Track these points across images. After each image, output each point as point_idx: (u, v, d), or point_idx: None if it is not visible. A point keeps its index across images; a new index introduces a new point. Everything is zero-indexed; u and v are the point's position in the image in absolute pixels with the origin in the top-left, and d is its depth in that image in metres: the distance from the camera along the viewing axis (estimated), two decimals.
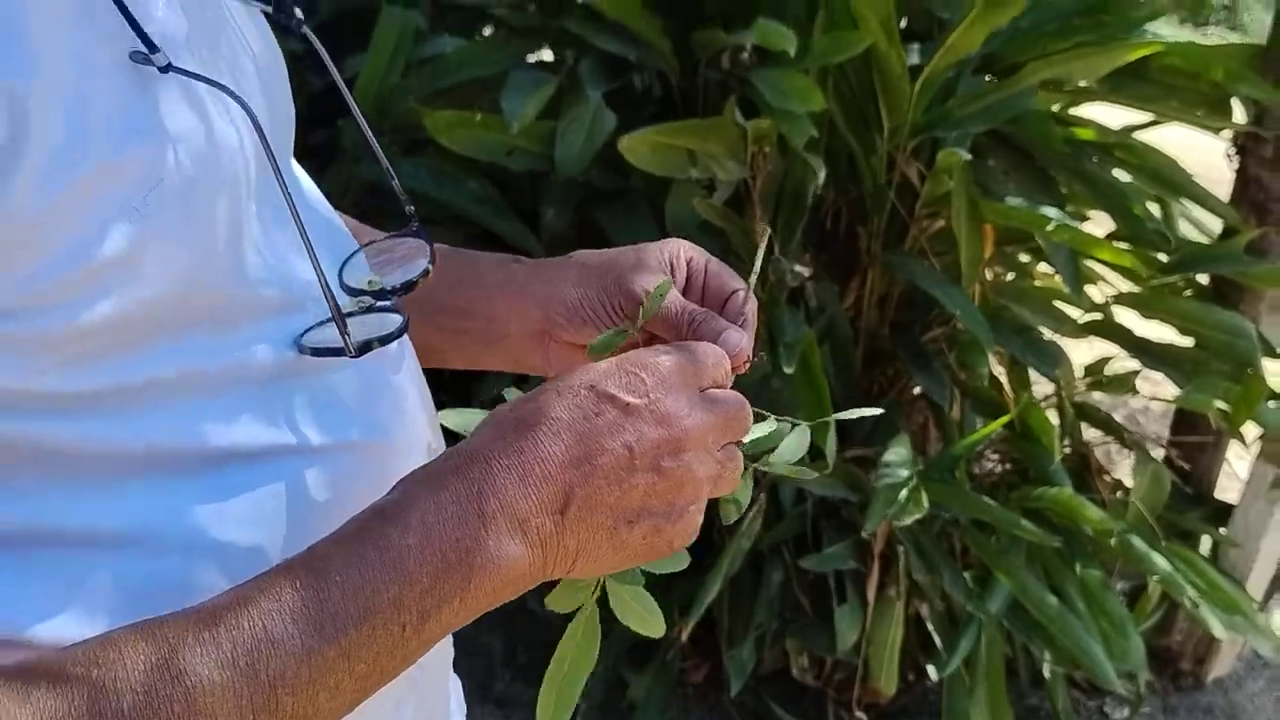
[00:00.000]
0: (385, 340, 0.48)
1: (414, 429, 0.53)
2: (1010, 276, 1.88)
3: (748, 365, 0.56)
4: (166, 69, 0.40)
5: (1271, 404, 1.64)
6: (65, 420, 0.39)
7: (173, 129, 0.41)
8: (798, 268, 1.48)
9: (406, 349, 0.56)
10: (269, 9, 0.52)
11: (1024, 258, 1.89)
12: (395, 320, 0.50)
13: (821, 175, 1.39)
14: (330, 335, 0.46)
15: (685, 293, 0.58)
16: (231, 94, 0.43)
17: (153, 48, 0.40)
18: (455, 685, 0.67)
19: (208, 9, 0.47)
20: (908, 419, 1.78)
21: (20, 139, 0.35)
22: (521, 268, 0.62)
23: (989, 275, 1.82)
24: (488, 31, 1.92)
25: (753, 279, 0.60)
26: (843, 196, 1.69)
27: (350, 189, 1.38)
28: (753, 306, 0.59)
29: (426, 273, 0.52)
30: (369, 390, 0.51)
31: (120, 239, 0.38)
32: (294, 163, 0.57)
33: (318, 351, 0.46)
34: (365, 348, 0.46)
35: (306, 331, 0.47)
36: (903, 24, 1.65)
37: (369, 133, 0.55)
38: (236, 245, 0.44)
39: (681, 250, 0.59)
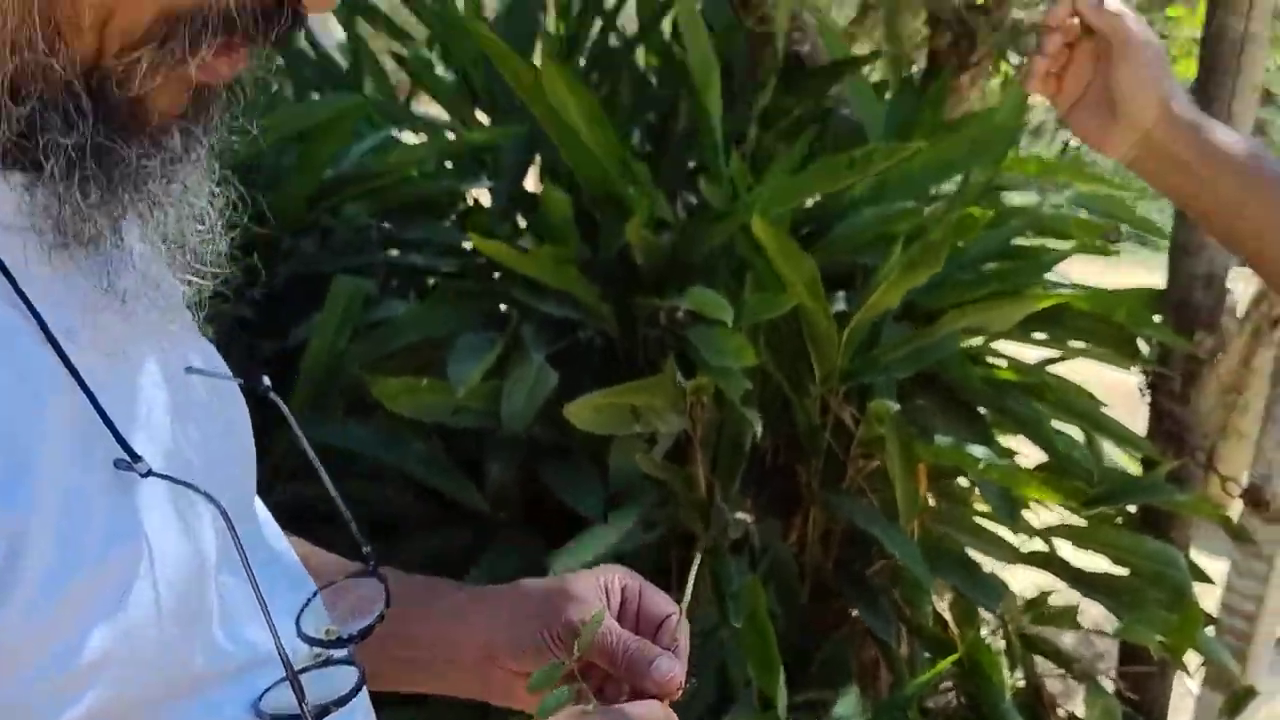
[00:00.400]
0: (341, 702, 0.50)
1: None
2: (948, 506, 1.93)
3: (680, 692, 0.58)
4: (147, 474, 0.44)
5: (1209, 630, 1.67)
6: None
7: (150, 528, 0.44)
8: (739, 515, 1.51)
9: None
10: (240, 380, 0.57)
11: (962, 481, 1.95)
12: (351, 677, 0.52)
13: (759, 428, 1.45)
14: (288, 700, 0.48)
15: (620, 618, 0.61)
16: (204, 494, 0.46)
17: (135, 457, 0.43)
18: None
19: (181, 392, 0.51)
20: (857, 654, 1.78)
21: (14, 569, 0.38)
22: (464, 596, 0.65)
23: (929, 502, 1.87)
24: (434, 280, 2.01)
25: (684, 604, 0.63)
26: (780, 437, 1.75)
27: (289, 456, 1.41)
28: (685, 630, 0.62)
29: (382, 617, 0.55)
30: None
31: (101, 640, 0.40)
32: (256, 500, 0.60)
33: (277, 718, 0.48)
34: (323, 712, 0.48)
35: (265, 693, 0.49)
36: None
37: (327, 483, 0.57)
38: (207, 621, 0.47)
39: (616, 578, 0.63)
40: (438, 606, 0.64)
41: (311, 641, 0.53)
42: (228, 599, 0.49)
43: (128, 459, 0.43)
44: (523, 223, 2.14)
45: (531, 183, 2.21)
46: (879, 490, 1.71)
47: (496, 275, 1.85)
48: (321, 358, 1.50)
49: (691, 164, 2.14)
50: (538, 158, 2.00)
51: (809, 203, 1.78)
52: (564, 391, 1.50)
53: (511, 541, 1.50)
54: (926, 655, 1.69)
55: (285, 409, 0.59)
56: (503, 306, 1.70)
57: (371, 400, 1.51)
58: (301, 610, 0.56)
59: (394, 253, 1.88)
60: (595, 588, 0.61)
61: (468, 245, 2.01)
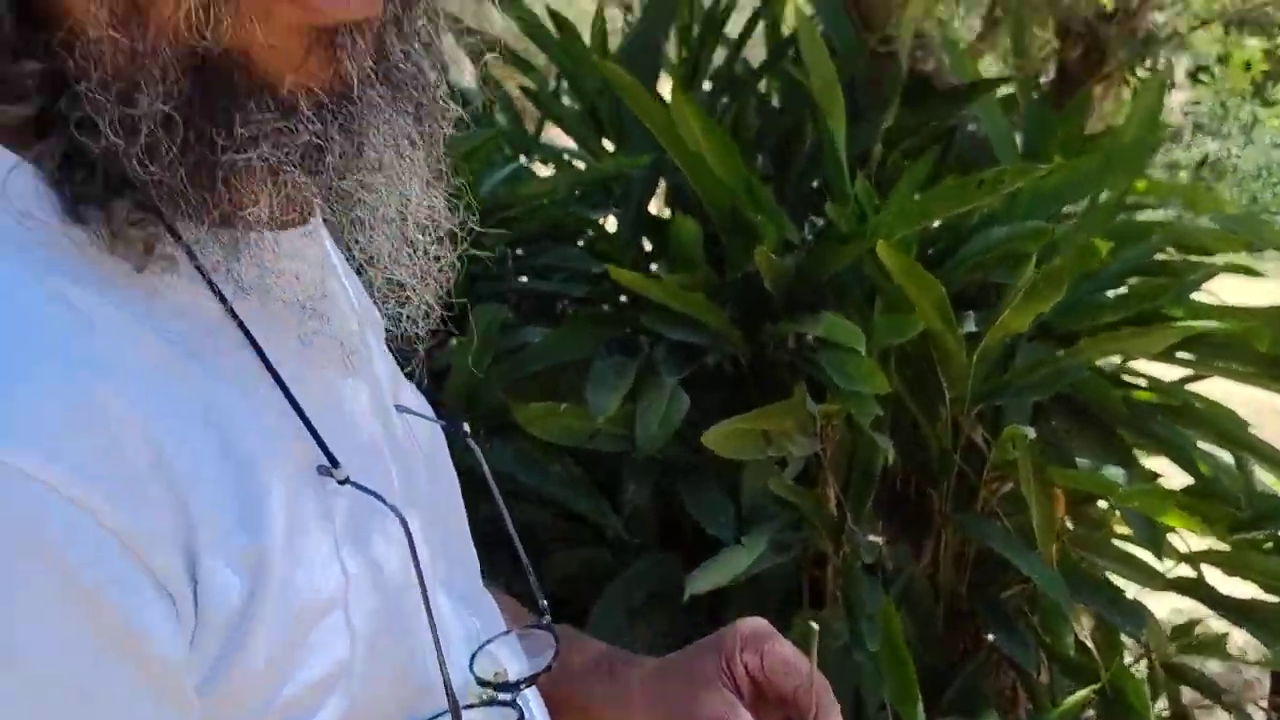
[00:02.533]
0: None
1: None
2: (1087, 530, 1.88)
3: None
4: (345, 482, 0.46)
5: None
6: None
7: (353, 545, 0.47)
8: (871, 538, 1.52)
9: None
10: (442, 423, 0.61)
11: (1102, 504, 1.90)
12: (511, 717, 0.54)
13: (890, 454, 1.45)
14: None
15: (754, 685, 0.62)
16: (391, 508, 0.48)
17: (335, 463, 0.46)
18: None
19: (381, 418, 0.55)
20: (994, 681, 1.75)
21: (259, 595, 0.41)
22: (612, 685, 0.67)
23: (1068, 525, 1.83)
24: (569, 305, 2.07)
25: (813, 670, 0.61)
26: (911, 460, 1.74)
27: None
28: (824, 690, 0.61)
29: (549, 668, 0.58)
30: None
31: (330, 656, 0.44)
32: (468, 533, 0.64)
33: None
34: None
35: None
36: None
37: (513, 531, 0.61)
38: (403, 641, 0.50)
39: (737, 652, 0.62)
40: (589, 687, 0.66)
41: (481, 682, 0.56)
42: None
43: (328, 464, 0.45)
44: (648, 246, 2.19)
45: (655, 206, 2.26)
46: (1013, 514, 1.68)
47: (623, 300, 1.91)
48: (463, 382, 1.56)
49: (815, 184, 2.16)
50: (662, 183, 2.05)
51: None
52: (695, 414, 1.54)
53: (646, 562, 1.54)
54: (1067, 683, 1.66)
55: (480, 455, 0.63)
56: (632, 330, 1.75)
57: (511, 422, 1.57)
58: (479, 649, 0.59)
59: (525, 279, 1.95)
60: (716, 671, 0.61)
61: (597, 270, 2.07)
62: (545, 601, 0.62)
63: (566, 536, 1.59)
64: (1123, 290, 1.75)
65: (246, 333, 0.46)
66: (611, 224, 2.23)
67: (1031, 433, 1.44)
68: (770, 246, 1.49)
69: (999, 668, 1.76)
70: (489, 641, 0.58)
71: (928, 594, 1.68)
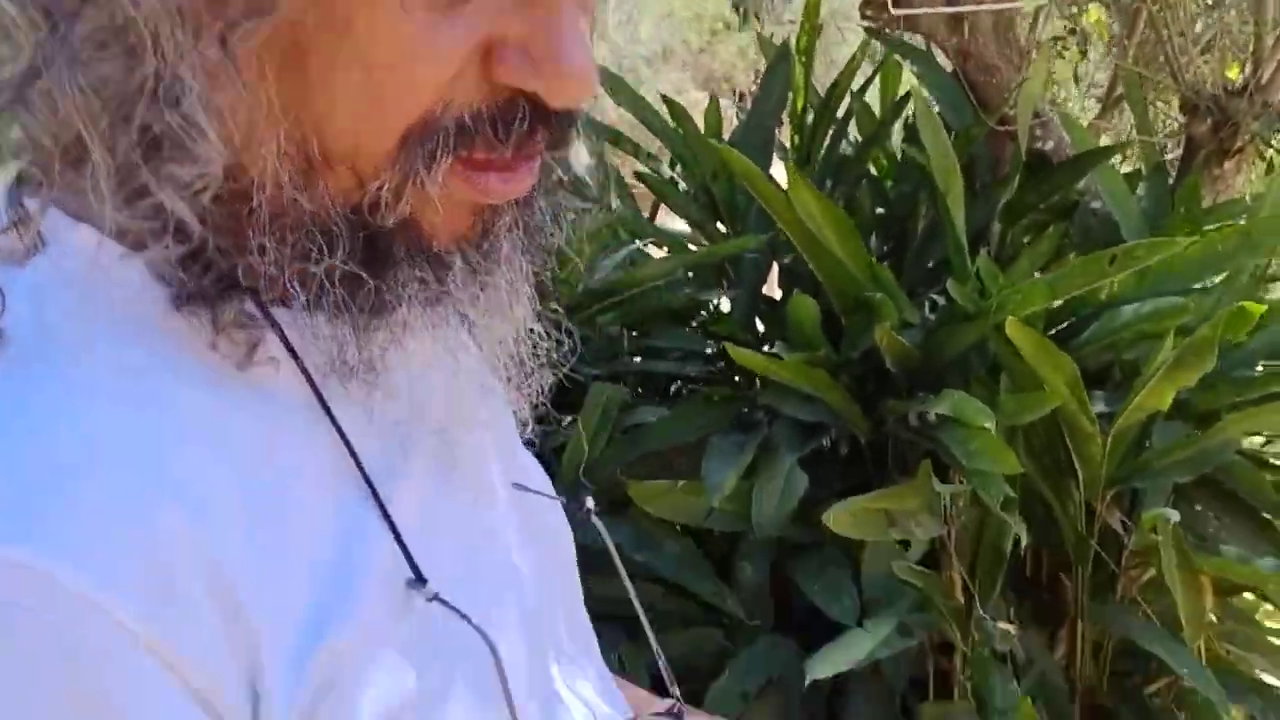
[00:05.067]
0: None
1: None
2: (1234, 622, 1.76)
3: None
4: (433, 599, 0.44)
5: None
6: None
7: (438, 662, 0.44)
8: (1003, 626, 1.45)
9: None
10: (562, 499, 0.61)
11: (1248, 595, 1.78)
12: None
13: (1023, 535, 1.39)
14: None
15: None
16: (479, 631, 0.45)
17: (422, 578, 0.44)
18: None
19: (484, 530, 0.53)
20: None
21: (329, 701, 0.39)
22: None
23: (1213, 618, 1.71)
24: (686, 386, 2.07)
25: None
26: (1044, 542, 1.67)
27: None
28: None
29: None
30: None
31: None
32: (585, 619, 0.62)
33: None
34: None
35: None
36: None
37: (644, 618, 0.60)
38: None
39: None
40: None
41: None
42: None
43: (415, 579, 0.43)
44: (762, 327, 2.19)
45: (768, 287, 2.26)
46: (1154, 603, 1.59)
47: (738, 379, 1.90)
48: (579, 459, 1.57)
49: (931, 264, 2.13)
50: (774, 264, 2.06)
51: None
52: (814, 493, 1.50)
53: (763, 645, 1.49)
54: None
55: (606, 535, 0.62)
56: (749, 408, 1.74)
57: (625, 499, 1.56)
58: None
59: (639, 360, 1.97)
60: None
61: (711, 350, 2.07)
62: (677, 689, 0.60)
63: (680, 616, 1.56)
64: (1264, 367, 1.66)
65: (344, 438, 0.44)
66: (724, 304, 2.24)
67: (1175, 516, 1.37)
68: (891, 325, 1.47)
69: None
70: None
71: (1063, 688, 1.59)
